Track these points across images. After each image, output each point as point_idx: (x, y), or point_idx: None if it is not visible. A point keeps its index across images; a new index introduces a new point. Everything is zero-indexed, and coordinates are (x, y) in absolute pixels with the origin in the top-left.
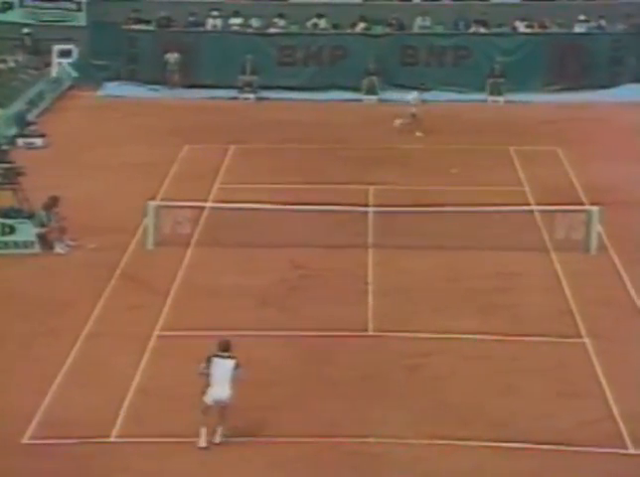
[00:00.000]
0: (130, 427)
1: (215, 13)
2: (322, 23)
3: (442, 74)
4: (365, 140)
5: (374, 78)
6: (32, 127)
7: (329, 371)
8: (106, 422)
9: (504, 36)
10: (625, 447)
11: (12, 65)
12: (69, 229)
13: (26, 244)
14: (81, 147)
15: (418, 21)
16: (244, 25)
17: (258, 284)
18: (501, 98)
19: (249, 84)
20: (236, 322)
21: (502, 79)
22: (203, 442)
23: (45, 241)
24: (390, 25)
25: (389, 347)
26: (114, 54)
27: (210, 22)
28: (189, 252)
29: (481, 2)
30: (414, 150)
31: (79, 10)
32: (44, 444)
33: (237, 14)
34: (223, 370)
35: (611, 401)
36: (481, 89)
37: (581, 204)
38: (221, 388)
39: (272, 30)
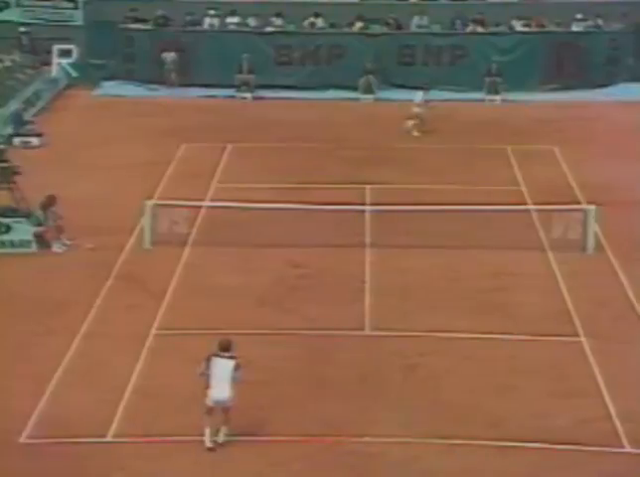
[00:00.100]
0: (127, 427)
1: (212, 12)
2: (319, 22)
3: (439, 73)
4: (362, 139)
5: (371, 77)
6: (29, 126)
7: (326, 370)
8: (103, 422)
9: (501, 35)
10: (622, 446)
11: (9, 64)
12: (65, 228)
13: (23, 244)
14: (78, 146)
15: (416, 20)
16: (242, 24)
17: (256, 284)
18: (498, 97)
19: (247, 84)
20: (233, 321)
21: (499, 79)
22: (208, 443)
23: (42, 241)
24: (387, 24)
25: (386, 346)
26: (111, 53)
27: (207, 21)
28: (186, 252)
29: (478, 1)
30: (411, 149)
31: (75, 9)
32: (41, 444)
33: (234, 13)
34: (222, 370)
35: (608, 401)
36: (478, 89)
37: (579, 203)
38: (220, 388)
39: (270, 29)
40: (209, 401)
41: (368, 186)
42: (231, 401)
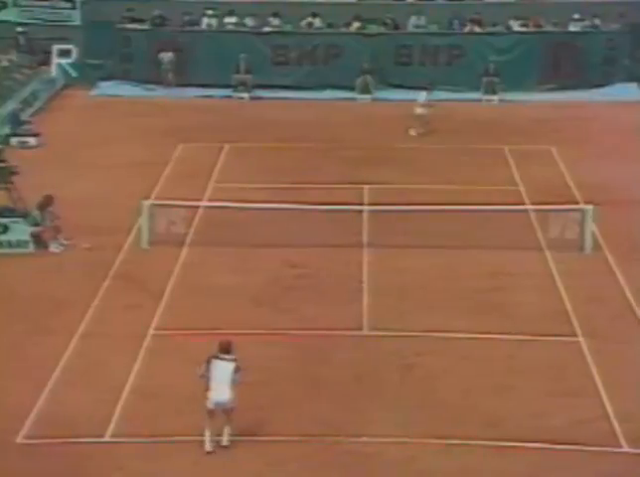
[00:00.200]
0: (125, 427)
1: (209, 12)
2: (317, 22)
3: (437, 73)
4: (359, 139)
5: (368, 77)
6: (26, 126)
7: (323, 370)
8: (101, 422)
9: (498, 35)
10: (620, 446)
11: (6, 64)
12: (63, 228)
13: (20, 244)
14: (76, 146)
15: (413, 20)
16: (239, 24)
17: (253, 284)
18: (495, 97)
19: (244, 83)
20: (230, 321)
21: (496, 79)
22: (208, 446)
23: (39, 241)
24: (384, 24)
25: (383, 346)
26: (109, 53)
27: (204, 21)
28: (184, 252)
29: (475, 1)
30: (409, 149)
31: (73, 9)
32: (38, 444)
33: (231, 13)
34: (222, 372)
35: (606, 400)
36: (476, 89)
37: (576, 203)
38: (220, 390)
39: (267, 29)
40: (209, 404)
41: (365, 186)
42: (232, 403)
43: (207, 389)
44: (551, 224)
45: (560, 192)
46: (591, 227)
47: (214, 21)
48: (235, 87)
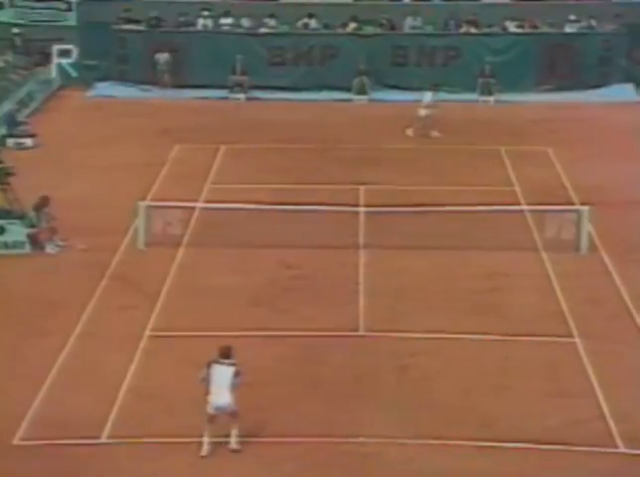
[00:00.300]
0: (121, 428)
1: (205, 13)
2: (313, 23)
3: (433, 74)
4: (355, 140)
5: (364, 78)
6: (22, 127)
7: (320, 371)
8: (97, 423)
9: (494, 36)
10: (616, 446)
11: (2, 65)
12: (59, 229)
13: (16, 245)
14: (72, 147)
15: (409, 21)
16: (235, 25)
17: (250, 285)
18: (491, 98)
19: (240, 85)
20: (227, 322)
21: (492, 79)
22: (204, 451)
23: (35, 242)
24: (380, 25)
25: (380, 347)
26: (104, 54)
27: (200, 22)
28: (180, 253)
29: (471, 2)
30: (405, 150)
31: (69, 10)
32: (35, 445)
33: (227, 14)
34: (222, 377)
35: (602, 401)
36: (472, 89)
37: (572, 204)
38: (219, 394)
39: (263, 30)
40: (210, 409)
41: (362, 186)
42: (232, 407)
43: (207, 393)
44: (547, 224)
45: (556, 192)
46: (587, 227)
47: (209, 22)
48: (231, 88)
